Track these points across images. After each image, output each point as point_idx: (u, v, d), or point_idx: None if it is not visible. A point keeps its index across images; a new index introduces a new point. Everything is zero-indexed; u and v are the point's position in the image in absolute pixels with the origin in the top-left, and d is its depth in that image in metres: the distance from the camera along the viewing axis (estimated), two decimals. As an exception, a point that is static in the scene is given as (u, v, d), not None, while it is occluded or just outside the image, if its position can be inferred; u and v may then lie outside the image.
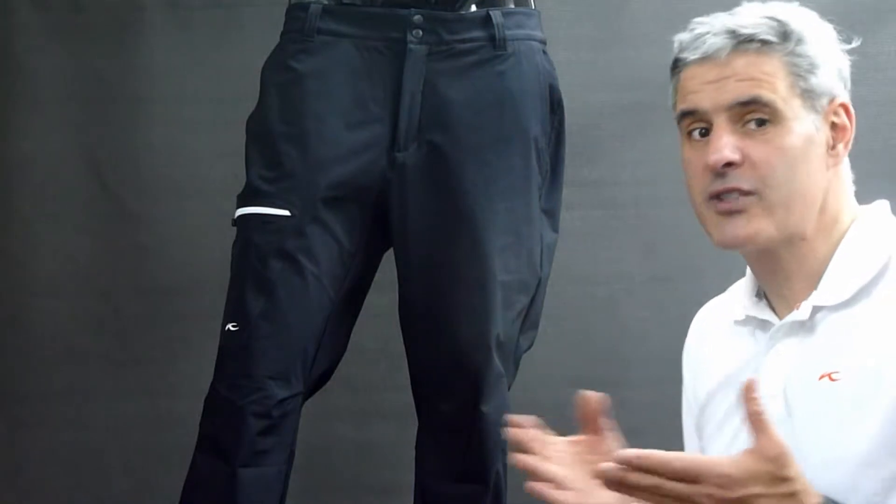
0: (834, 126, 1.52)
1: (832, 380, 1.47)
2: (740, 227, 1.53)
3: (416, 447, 2.13)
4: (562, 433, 1.89)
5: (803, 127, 1.50)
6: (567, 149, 2.14)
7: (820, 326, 1.51)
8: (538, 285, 2.08)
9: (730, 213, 1.53)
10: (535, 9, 2.11)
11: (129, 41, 3.00)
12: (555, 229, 2.12)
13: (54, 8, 3.02)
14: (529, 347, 2.13)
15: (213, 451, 1.98)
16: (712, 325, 1.67)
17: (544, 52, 2.10)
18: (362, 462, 2.96)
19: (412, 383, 2.12)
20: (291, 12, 2.08)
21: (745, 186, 1.51)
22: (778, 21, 1.51)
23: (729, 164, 1.51)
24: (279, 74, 2.06)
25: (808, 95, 1.50)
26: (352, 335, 2.13)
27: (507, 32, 2.05)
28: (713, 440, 1.61)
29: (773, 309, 1.57)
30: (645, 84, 2.93)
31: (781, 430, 1.49)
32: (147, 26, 3.00)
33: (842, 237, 1.53)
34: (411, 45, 2.02)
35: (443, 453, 2.07)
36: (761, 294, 1.59)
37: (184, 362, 2.90)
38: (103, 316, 3.00)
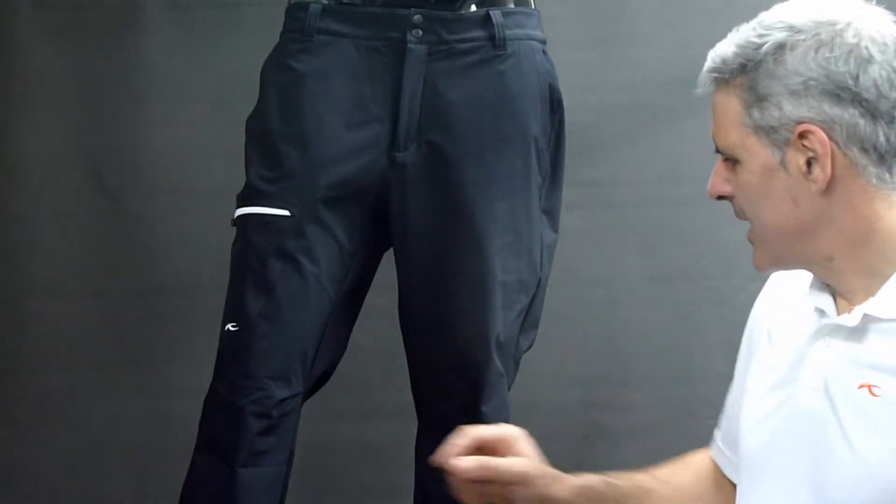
0: (805, 151, 1.45)
1: (872, 394, 1.45)
2: (753, 257, 1.56)
3: (416, 447, 2.13)
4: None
5: (759, 163, 1.47)
6: (567, 149, 2.13)
7: (870, 335, 1.47)
8: (538, 285, 2.08)
9: None
10: (535, 9, 2.11)
11: (129, 41, 3.00)
12: (555, 229, 2.12)
13: (54, 8, 3.02)
14: (529, 347, 2.13)
15: (212, 452, 1.98)
16: (790, 282, 1.63)
17: (544, 52, 2.10)
18: (362, 462, 2.96)
19: (412, 383, 2.12)
20: (291, 12, 2.08)
21: (740, 217, 1.54)
22: (745, 46, 1.47)
23: (722, 197, 1.53)
24: (279, 74, 2.06)
25: (762, 132, 1.47)
26: (352, 335, 2.13)
27: (507, 32, 2.05)
28: (750, 403, 1.59)
29: (835, 297, 1.53)
30: (645, 84, 2.93)
31: (814, 425, 1.49)
32: (147, 26, 3.00)
33: None
34: (411, 45, 2.02)
35: (443, 453, 2.07)
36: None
37: (184, 362, 2.90)
38: (103, 316, 3.01)
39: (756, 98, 1.47)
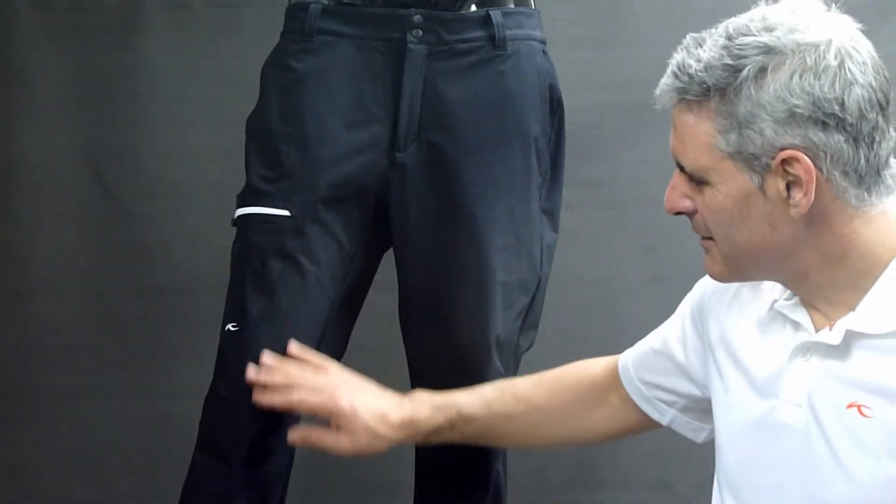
0: (786, 176, 1.43)
1: (863, 414, 1.43)
2: (707, 264, 1.56)
3: (416, 447, 2.13)
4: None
5: (735, 188, 1.45)
6: (567, 149, 2.13)
7: (854, 353, 1.45)
8: (538, 285, 2.08)
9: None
10: (535, 9, 2.11)
11: (129, 41, 3.00)
12: (555, 229, 2.12)
13: (54, 8, 3.02)
14: (529, 347, 2.13)
15: (212, 452, 1.97)
16: (753, 288, 1.62)
17: (544, 52, 2.10)
18: (362, 462, 2.96)
19: (412, 383, 2.12)
20: (291, 12, 2.08)
21: (703, 233, 1.53)
22: (719, 69, 1.43)
23: (680, 213, 1.52)
24: (279, 74, 2.06)
25: (740, 157, 1.44)
26: (352, 335, 2.13)
27: (507, 32, 2.04)
28: (726, 413, 1.59)
29: (808, 310, 1.52)
30: (645, 84, 2.90)
31: (800, 442, 1.49)
32: (147, 26, 3.00)
33: (880, 262, 1.45)
34: (411, 45, 2.02)
35: (443, 453, 2.07)
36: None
37: (184, 362, 2.90)
38: (103, 316, 3.01)
39: (736, 124, 1.43)
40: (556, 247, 2.12)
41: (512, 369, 2.10)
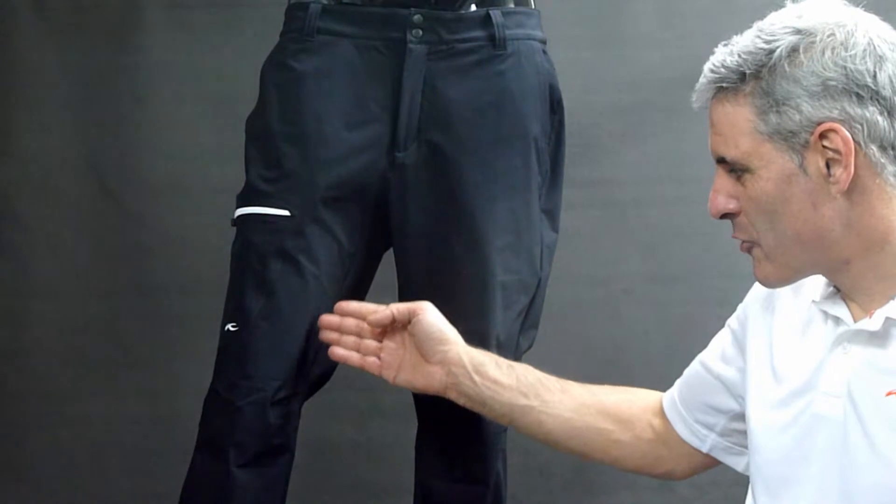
0: (826, 151, 1.45)
1: None
2: (757, 271, 1.55)
3: (416, 447, 2.13)
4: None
5: (776, 171, 1.47)
6: (567, 149, 2.13)
7: (894, 341, 1.47)
8: (538, 285, 2.08)
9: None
10: (535, 9, 2.11)
11: (129, 41, 3.00)
12: (555, 229, 2.12)
13: (54, 8, 3.02)
14: (529, 347, 2.13)
15: (212, 452, 1.97)
16: (795, 288, 1.63)
17: (544, 52, 2.10)
18: (362, 462, 2.96)
19: (412, 383, 2.12)
20: (291, 12, 2.08)
21: (742, 237, 1.53)
22: (753, 52, 1.47)
23: (728, 215, 1.52)
24: (279, 74, 2.06)
25: (779, 137, 1.46)
26: (352, 335, 2.13)
27: (507, 32, 2.04)
28: (761, 420, 1.60)
29: (847, 304, 1.53)
30: (645, 84, 2.93)
31: (837, 432, 1.49)
32: (147, 26, 3.00)
33: None
34: (411, 45, 2.02)
35: (443, 453, 2.07)
36: (835, 286, 1.56)
37: (184, 362, 2.90)
38: (103, 316, 3.01)
39: (773, 102, 1.45)
40: (556, 247, 2.12)
41: (512, 369, 2.10)
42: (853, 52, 1.44)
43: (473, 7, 2.05)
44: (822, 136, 1.45)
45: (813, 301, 1.57)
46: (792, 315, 1.60)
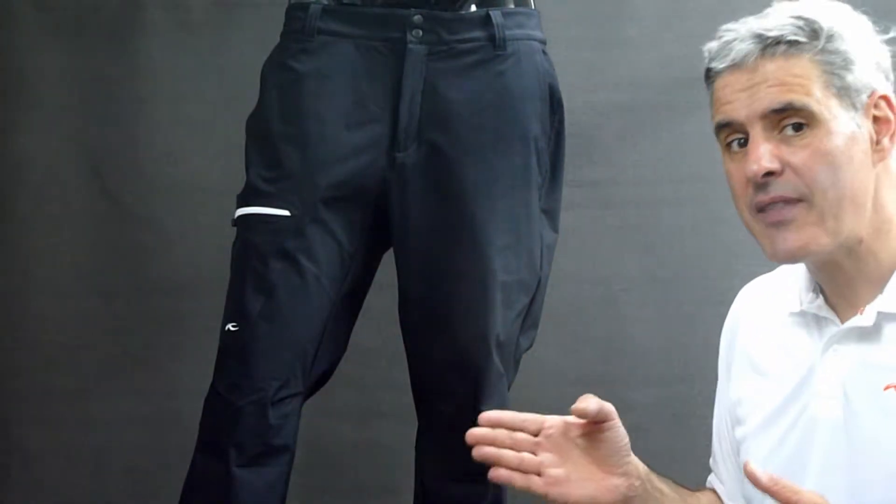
0: (876, 120, 1.47)
1: None
2: (791, 239, 1.47)
3: (416, 447, 2.13)
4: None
5: (843, 126, 1.46)
6: (567, 149, 2.13)
7: (886, 333, 1.46)
8: (538, 285, 2.08)
9: (779, 225, 1.47)
10: (535, 9, 2.11)
11: (129, 41, 3.00)
12: (555, 229, 2.12)
13: (54, 8, 3.02)
14: (529, 347, 2.13)
15: (212, 452, 1.98)
16: (762, 307, 1.62)
17: (544, 52, 2.10)
18: (362, 462, 2.96)
19: (412, 383, 2.12)
20: (291, 12, 2.08)
21: (791, 195, 1.47)
22: (806, 20, 1.47)
23: (769, 174, 1.46)
24: (279, 74, 2.06)
25: (845, 93, 1.46)
26: (352, 335, 2.13)
27: (507, 32, 2.05)
28: (757, 437, 1.58)
29: (832, 307, 1.52)
30: (645, 84, 2.93)
31: (837, 434, 1.49)
32: (147, 26, 3.00)
33: None
34: (411, 45, 2.02)
35: (443, 453, 2.07)
36: (818, 290, 1.55)
37: (184, 362, 2.90)
38: (103, 316, 3.00)
39: (843, 61, 1.47)
40: (556, 247, 2.12)
41: (512, 369, 2.10)
42: (887, 37, 1.51)
43: (473, 7, 2.06)
44: (876, 104, 1.48)
45: (791, 313, 1.56)
46: (775, 323, 1.59)
